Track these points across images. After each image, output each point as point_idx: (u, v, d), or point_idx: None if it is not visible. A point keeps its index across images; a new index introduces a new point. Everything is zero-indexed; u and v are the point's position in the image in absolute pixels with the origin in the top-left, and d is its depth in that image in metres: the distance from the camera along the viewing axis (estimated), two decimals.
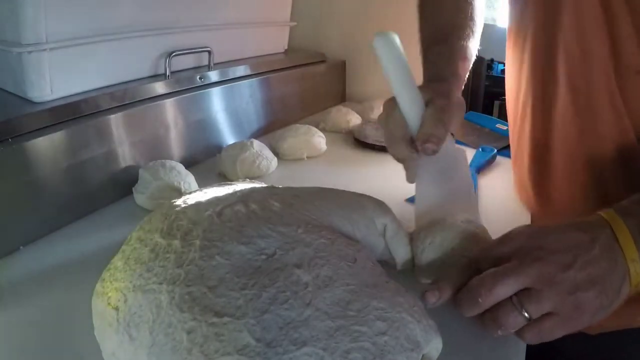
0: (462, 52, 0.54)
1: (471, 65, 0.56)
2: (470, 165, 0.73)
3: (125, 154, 0.64)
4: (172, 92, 0.72)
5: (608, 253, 0.33)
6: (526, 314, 0.32)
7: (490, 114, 1.07)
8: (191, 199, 0.42)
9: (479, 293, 0.33)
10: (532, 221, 0.58)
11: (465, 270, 0.37)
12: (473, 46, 0.57)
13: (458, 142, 0.87)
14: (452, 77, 0.51)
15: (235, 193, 0.42)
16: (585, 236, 0.34)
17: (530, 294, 0.32)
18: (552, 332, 0.33)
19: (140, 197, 0.59)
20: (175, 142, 0.72)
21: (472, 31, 0.57)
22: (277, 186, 0.47)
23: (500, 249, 0.36)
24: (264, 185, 0.48)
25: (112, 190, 0.62)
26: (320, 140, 0.81)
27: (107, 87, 0.65)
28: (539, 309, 0.32)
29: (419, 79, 0.50)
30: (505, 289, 0.33)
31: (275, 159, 0.74)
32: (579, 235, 0.34)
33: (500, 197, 0.65)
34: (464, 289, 0.35)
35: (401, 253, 0.47)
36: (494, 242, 0.38)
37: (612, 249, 0.33)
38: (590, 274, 0.32)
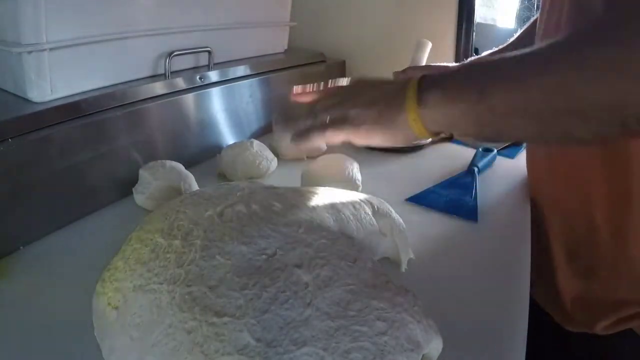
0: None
1: None
2: (471, 165, 0.73)
3: (125, 154, 0.64)
4: (172, 92, 0.72)
5: (393, 91, 0.40)
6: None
7: None
8: (191, 199, 0.42)
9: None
10: (534, 220, 0.58)
11: None
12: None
13: (458, 142, 0.87)
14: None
15: (235, 193, 0.42)
16: (390, 87, 0.41)
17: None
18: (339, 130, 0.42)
19: (140, 197, 0.59)
20: (175, 142, 0.72)
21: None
22: (277, 186, 0.47)
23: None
24: (264, 185, 0.48)
25: (112, 190, 0.62)
26: None
27: (107, 87, 0.64)
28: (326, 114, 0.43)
29: None
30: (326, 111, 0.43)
31: (275, 159, 0.74)
32: (385, 87, 0.42)
33: (500, 198, 0.65)
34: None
35: (404, 252, 0.47)
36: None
37: (398, 89, 0.39)
38: (373, 99, 0.41)
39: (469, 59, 0.40)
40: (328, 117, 0.43)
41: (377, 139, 0.42)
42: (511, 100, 0.33)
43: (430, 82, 0.38)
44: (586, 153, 0.50)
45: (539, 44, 0.33)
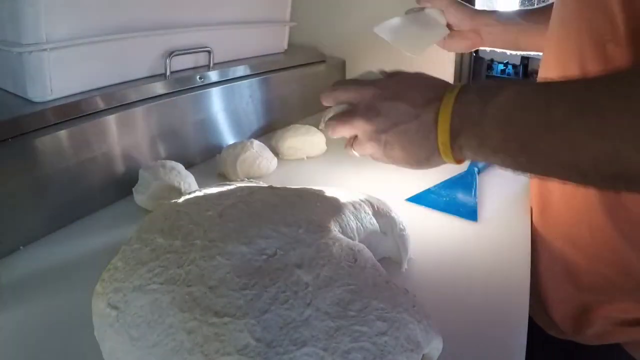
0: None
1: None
2: (471, 165, 0.73)
3: (125, 154, 0.64)
4: (172, 92, 0.72)
5: (423, 132, 0.38)
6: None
7: None
8: (191, 199, 0.42)
9: (330, 124, 0.45)
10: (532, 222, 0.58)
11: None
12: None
13: None
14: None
15: (236, 193, 0.42)
16: (412, 112, 0.39)
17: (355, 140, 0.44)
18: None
19: (140, 197, 0.59)
20: (175, 142, 0.72)
21: None
22: (277, 186, 0.47)
23: (347, 95, 0.44)
24: (264, 185, 0.48)
25: (112, 190, 0.62)
26: (320, 140, 0.81)
27: (107, 87, 0.64)
28: (360, 152, 0.45)
29: None
30: (343, 130, 0.44)
31: (275, 159, 0.74)
32: (407, 110, 0.39)
33: (500, 198, 0.65)
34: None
35: (405, 252, 0.47)
36: (348, 85, 0.45)
37: (429, 129, 0.38)
38: (400, 140, 0.40)
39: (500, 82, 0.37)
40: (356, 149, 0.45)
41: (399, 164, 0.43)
42: (555, 159, 0.31)
43: (464, 125, 0.35)
44: None
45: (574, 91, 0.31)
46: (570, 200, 0.50)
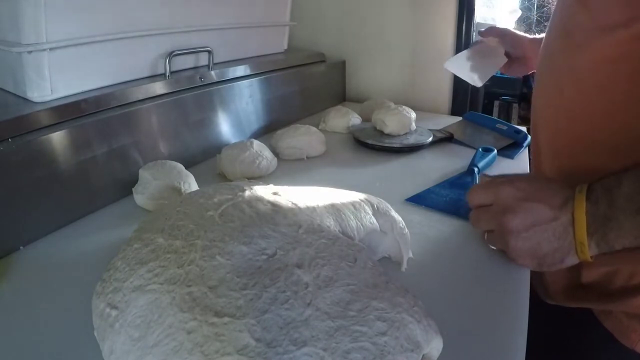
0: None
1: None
2: (471, 165, 0.73)
3: (125, 154, 0.64)
4: (172, 92, 0.72)
5: (560, 234, 0.41)
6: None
7: (490, 114, 1.07)
8: (191, 199, 0.42)
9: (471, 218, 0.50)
10: None
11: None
12: None
13: (458, 142, 0.87)
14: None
15: (236, 193, 0.42)
16: (550, 214, 0.41)
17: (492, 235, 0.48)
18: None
19: (140, 197, 0.59)
20: (175, 142, 0.72)
21: None
22: (277, 186, 0.47)
23: (484, 196, 0.47)
24: (264, 185, 0.48)
25: (112, 190, 0.62)
26: (320, 140, 0.81)
27: (107, 87, 0.64)
28: (494, 245, 0.48)
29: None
30: (480, 225, 0.49)
31: (275, 159, 0.74)
32: (545, 212, 0.41)
33: None
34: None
35: (405, 250, 0.47)
36: (483, 187, 0.48)
37: (565, 231, 0.40)
38: (534, 244, 0.42)
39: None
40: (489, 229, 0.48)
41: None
42: None
43: (598, 222, 0.38)
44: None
45: None
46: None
